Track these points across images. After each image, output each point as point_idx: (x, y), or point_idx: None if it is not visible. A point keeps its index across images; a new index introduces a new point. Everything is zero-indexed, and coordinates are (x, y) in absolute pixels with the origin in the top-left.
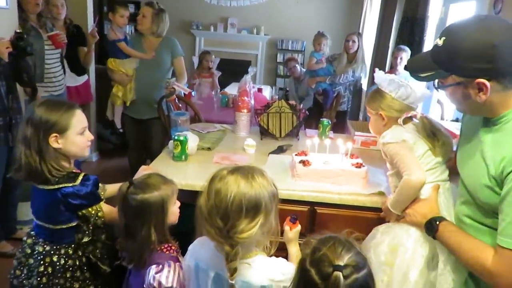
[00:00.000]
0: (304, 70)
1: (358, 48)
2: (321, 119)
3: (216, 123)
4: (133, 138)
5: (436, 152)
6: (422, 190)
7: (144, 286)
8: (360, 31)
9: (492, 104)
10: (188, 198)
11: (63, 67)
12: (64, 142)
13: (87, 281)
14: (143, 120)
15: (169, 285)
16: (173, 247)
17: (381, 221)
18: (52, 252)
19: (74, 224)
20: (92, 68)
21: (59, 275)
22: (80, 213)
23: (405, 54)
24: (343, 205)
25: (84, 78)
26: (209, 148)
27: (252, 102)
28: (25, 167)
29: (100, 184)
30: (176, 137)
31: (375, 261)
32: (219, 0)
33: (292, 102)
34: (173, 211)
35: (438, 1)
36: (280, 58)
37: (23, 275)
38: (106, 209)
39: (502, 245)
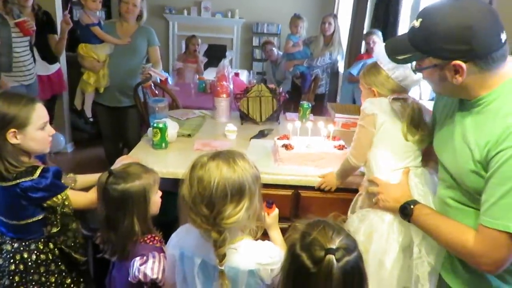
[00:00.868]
0: (281, 53)
1: (334, 31)
2: (301, 102)
3: (194, 108)
4: (108, 128)
5: (410, 139)
6: (392, 174)
7: (129, 278)
8: (336, 13)
9: (469, 86)
10: (170, 186)
11: (33, 55)
12: (23, 138)
13: (64, 274)
14: (118, 108)
15: (155, 276)
16: (156, 238)
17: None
18: (21, 248)
19: (40, 217)
20: (62, 56)
21: (32, 271)
22: (45, 205)
23: (376, 37)
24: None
25: (56, 66)
26: (189, 135)
27: (231, 86)
28: None
29: (71, 174)
30: (155, 124)
31: None
32: None
33: (271, 85)
34: (155, 201)
35: None
36: (256, 41)
37: None
38: (74, 196)
39: (486, 224)
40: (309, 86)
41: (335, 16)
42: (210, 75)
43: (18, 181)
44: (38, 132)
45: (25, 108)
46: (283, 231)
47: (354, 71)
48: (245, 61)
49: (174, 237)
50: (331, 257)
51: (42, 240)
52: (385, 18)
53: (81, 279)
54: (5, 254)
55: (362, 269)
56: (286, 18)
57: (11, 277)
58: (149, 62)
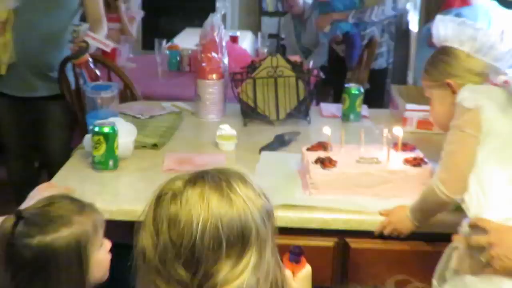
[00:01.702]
0: (310, 1)
1: None
2: (346, 86)
3: (163, 99)
4: (14, 134)
5: None
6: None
7: None
8: None
9: None
10: (123, 235)
11: None
12: None
13: None
14: (31, 99)
15: None
16: None
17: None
18: None
19: None
20: None
21: None
22: None
23: None
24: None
25: None
26: (155, 145)
27: (226, 61)
28: None
29: None
30: (96, 128)
31: None
32: None
33: (295, 57)
34: (99, 260)
35: None
36: None
37: None
38: None
39: None
40: (360, 56)
41: None
42: (188, 41)
43: None
44: None
45: None
46: None
47: None
48: (249, 16)
49: None
50: None
51: None
52: None
53: None
54: None
55: None
56: None
57: None
58: (85, 21)
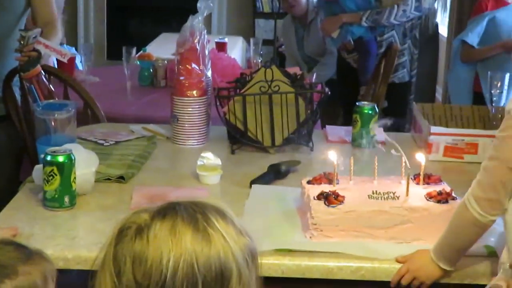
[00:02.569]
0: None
1: None
2: (357, 104)
3: (132, 122)
4: None
5: None
6: None
7: None
8: None
9: None
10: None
11: None
12: None
13: None
14: None
15: None
16: None
17: None
18: None
19: None
20: None
21: None
22: None
23: None
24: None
25: None
26: (121, 178)
27: (209, 73)
28: None
29: None
30: (48, 158)
31: None
32: None
33: (294, 69)
34: None
35: None
36: None
37: None
38: None
39: None
40: (376, 67)
41: None
42: (163, 49)
43: None
44: None
45: None
46: None
47: (474, 37)
48: (240, 18)
49: None
50: None
51: None
52: None
53: None
54: None
55: None
56: None
57: None
58: (35, 24)
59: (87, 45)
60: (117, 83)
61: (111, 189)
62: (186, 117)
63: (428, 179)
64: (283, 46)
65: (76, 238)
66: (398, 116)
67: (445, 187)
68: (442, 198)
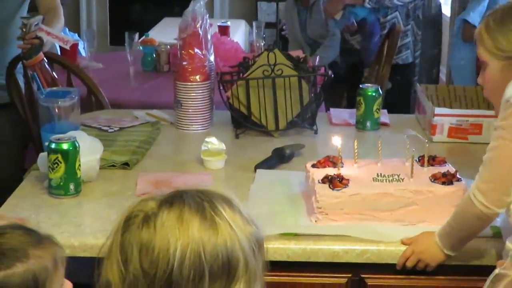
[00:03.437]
0: None
1: None
2: (360, 86)
3: (136, 107)
4: None
5: None
6: None
7: None
8: None
9: None
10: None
11: None
12: None
13: None
14: None
15: None
16: None
17: None
18: None
19: None
20: None
21: None
22: None
23: None
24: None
25: None
26: (126, 164)
27: (212, 58)
28: None
29: None
30: (52, 145)
31: None
32: None
33: (297, 52)
34: None
35: None
36: None
37: None
38: None
39: None
40: (379, 49)
41: None
42: (166, 33)
43: None
44: None
45: None
46: None
47: (475, 16)
48: (242, 2)
49: None
50: None
51: None
52: None
53: None
54: None
55: None
56: None
57: None
58: (37, 11)
59: (90, 31)
60: (120, 69)
61: (116, 176)
62: (190, 102)
63: (433, 160)
64: (284, 27)
65: (82, 225)
66: (402, 97)
67: (449, 168)
68: (447, 179)
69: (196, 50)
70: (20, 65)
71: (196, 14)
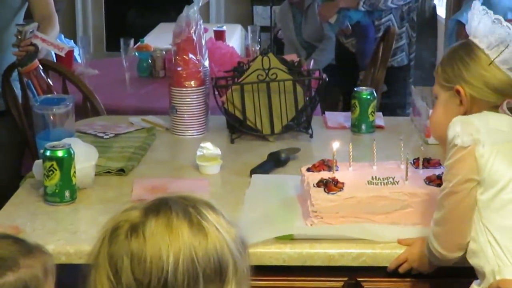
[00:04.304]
0: None
1: None
2: (355, 89)
3: (131, 113)
4: None
5: None
6: None
7: None
8: None
9: None
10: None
11: None
12: None
13: None
14: None
15: None
16: None
17: None
18: None
19: None
20: None
21: None
22: None
23: None
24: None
25: None
26: (121, 170)
27: (207, 63)
28: None
29: None
30: (47, 153)
31: None
32: None
33: (291, 56)
34: None
35: None
36: None
37: None
38: None
39: None
40: (374, 52)
41: None
42: (162, 39)
43: None
44: None
45: None
46: None
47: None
48: (238, 6)
49: None
50: None
51: None
52: None
53: None
54: None
55: None
56: None
57: None
58: (32, 18)
59: (85, 38)
60: (116, 75)
61: (111, 182)
62: (185, 108)
63: (428, 163)
64: (280, 32)
65: (78, 232)
66: (397, 99)
67: (444, 170)
68: (442, 182)
69: (190, 55)
70: (16, 73)
71: (190, 20)
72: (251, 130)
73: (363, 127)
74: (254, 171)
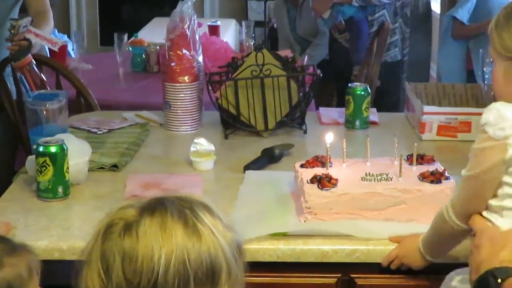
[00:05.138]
0: None
1: None
2: (349, 85)
3: (125, 109)
4: None
5: None
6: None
7: None
8: None
9: None
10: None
11: None
12: None
13: None
14: None
15: None
16: None
17: None
18: None
19: None
20: None
21: None
22: None
23: None
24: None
25: None
26: (115, 166)
27: (201, 58)
28: None
29: None
30: (40, 148)
31: None
32: None
33: (285, 52)
34: None
35: None
36: None
37: None
38: None
39: None
40: (368, 47)
41: None
42: (156, 34)
43: None
44: None
45: None
46: None
47: (464, 13)
48: (232, 1)
49: None
50: None
51: None
52: None
53: None
54: None
55: None
56: None
57: None
58: (26, 12)
59: (79, 32)
60: (110, 70)
61: (105, 178)
62: (179, 103)
63: (421, 159)
64: (275, 25)
65: (71, 228)
66: (391, 95)
67: (438, 167)
68: (435, 178)
69: (184, 51)
70: (10, 68)
71: (184, 15)
72: (245, 126)
73: (357, 123)
74: (247, 167)
